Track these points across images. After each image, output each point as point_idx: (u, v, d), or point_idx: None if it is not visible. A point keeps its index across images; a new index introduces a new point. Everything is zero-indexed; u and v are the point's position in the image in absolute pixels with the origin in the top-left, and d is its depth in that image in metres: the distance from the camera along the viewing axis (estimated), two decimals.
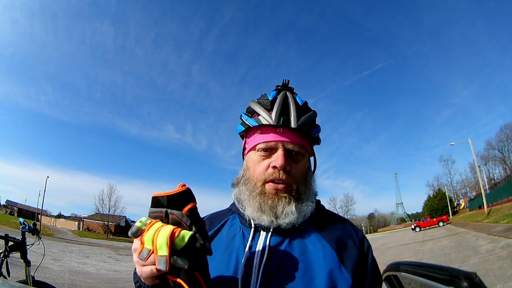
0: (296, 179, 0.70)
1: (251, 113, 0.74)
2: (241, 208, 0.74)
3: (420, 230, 31.88)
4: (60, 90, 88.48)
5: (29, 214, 43.86)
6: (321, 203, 0.81)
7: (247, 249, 0.68)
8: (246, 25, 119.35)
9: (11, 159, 77.20)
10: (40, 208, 38.33)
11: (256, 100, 0.76)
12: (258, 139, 0.72)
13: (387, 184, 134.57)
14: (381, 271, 0.91)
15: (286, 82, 0.78)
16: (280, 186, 0.68)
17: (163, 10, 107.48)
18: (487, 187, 38.49)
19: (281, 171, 0.68)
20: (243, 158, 0.79)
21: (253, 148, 0.74)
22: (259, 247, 0.68)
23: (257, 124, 0.71)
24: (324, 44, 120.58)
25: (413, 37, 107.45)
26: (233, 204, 0.80)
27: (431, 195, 60.57)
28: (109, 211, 47.14)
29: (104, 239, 38.01)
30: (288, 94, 0.74)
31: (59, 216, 57.99)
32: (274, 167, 0.68)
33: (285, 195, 0.69)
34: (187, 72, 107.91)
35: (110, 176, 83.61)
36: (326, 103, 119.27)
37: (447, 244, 13.16)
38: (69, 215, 63.21)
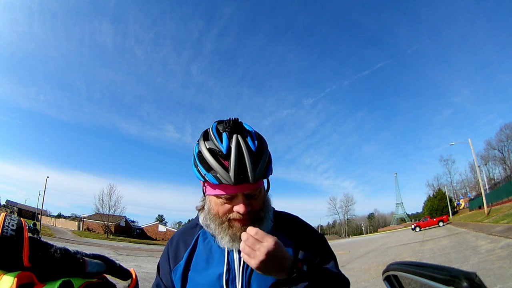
0: (257, 210, 0.80)
1: (207, 165, 0.75)
2: (212, 234, 0.84)
3: (420, 230, 31.90)
4: (59, 90, 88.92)
5: (29, 214, 43.90)
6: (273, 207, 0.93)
7: (225, 256, 0.81)
8: (245, 24, 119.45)
9: (11, 159, 77.38)
10: (40, 208, 38.35)
11: (207, 146, 0.76)
12: (218, 191, 0.77)
13: (387, 184, 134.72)
14: (381, 271, 0.91)
15: (235, 122, 0.77)
16: (244, 222, 0.79)
17: (162, 10, 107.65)
18: (487, 187, 38.47)
19: (244, 214, 0.77)
20: (204, 192, 0.85)
21: (215, 195, 0.80)
22: (235, 254, 0.81)
23: (217, 183, 0.74)
24: (324, 44, 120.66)
25: (413, 37, 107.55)
26: (200, 220, 0.89)
27: (431, 195, 60.62)
28: (109, 211, 47.17)
29: (104, 239, 38.01)
30: (241, 141, 0.74)
31: (59, 216, 58.02)
32: (238, 213, 0.77)
33: (249, 224, 0.78)
34: (187, 72, 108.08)
35: (110, 176, 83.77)
36: (326, 103, 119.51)
37: (447, 244, 13.16)
38: (69, 215, 63.36)
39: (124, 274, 0.69)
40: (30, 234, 0.53)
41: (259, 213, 0.81)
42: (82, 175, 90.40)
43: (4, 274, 0.48)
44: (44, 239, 0.69)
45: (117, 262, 0.69)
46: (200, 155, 0.77)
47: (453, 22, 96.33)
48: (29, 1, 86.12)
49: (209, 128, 0.81)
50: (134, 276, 0.70)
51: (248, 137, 0.77)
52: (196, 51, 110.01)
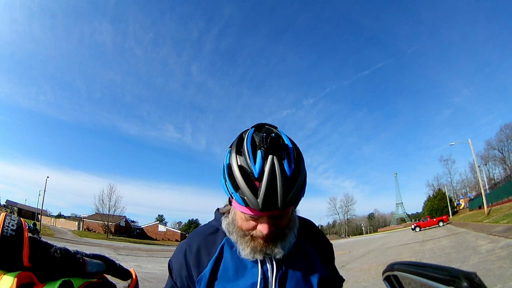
0: (281, 228, 0.77)
1: (235, 183, 0.69)
2: (232, 238, 0.82)
3: (420, 230, 31.90)
4: (59, 90, 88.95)
5: (29, 214, 43.90)
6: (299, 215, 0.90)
7: (259, 266, 0.79)
8: (245, 24, 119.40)
9: (11, 159, 77.42)
10: (40, 208, 38.35)
11: (238, 163, 0.69)
12: (244, 209, 0.71)
13: (387, 184, 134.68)
14: (381, 271, 0.91)
15: (273, 140, 0.67)
16: (267, 238, 0.76)
17: (161, 10, 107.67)
18: (487, 187, 38.47)
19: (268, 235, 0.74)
20: (230, 201, 0.80)
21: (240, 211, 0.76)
22: (268, 264, 0.80)
23: (244, 205, 0.69)
24: (324, 44, 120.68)
25: (413, 37, 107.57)
26: (220, 223, 0.86)
27: (431, 195, 60.63)
28: (109, 211, 47.19)
29: (104, 239, 38.02)
30: (276, 165, 0.66)
31: (59, 216, 58.02)
32: (261, 232, 0.74)
33: (272, 243, 0.77)
34: (186, 72, 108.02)
35: (110, 176, 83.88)
36: (326, 103, 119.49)
37: (447, 244, 13.16)
38: (69, 215, 63.37)
39: (124, 274, 0.69)
40: (30, 234, 0.53)
41: (283, 230, 0.78)
42: (82, 175, 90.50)
43: (4, 274, 0.48)
44: (44, 239, 0.69)
45: (117, 262, 0.69)
46: (229, 169, 0.70)
47: (453, 22, 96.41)
48: (29, 1, 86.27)
49: (245, 137, 0.72)
50: (134, 276, 0.70)
51: (285, 159, 0.68)
52: (196, 51, 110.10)
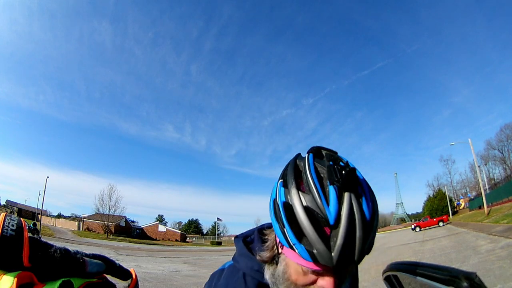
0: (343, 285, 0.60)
1: (298, 229, 0.51)
2: None
3: (420, 230, 31.87)
4: (59, 90, 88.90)
5: (29, 214, 43.90)
6: None
7: None
8: (244, 24, 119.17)
9: (11, 159, 77.39)
10: (40, 208, 38.38)
11: (303, 201, 0.51)
12: (309, 265, 0.54)
13: (387, 184, 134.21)
14: (381, 271, 0.91)
15: (350, 172, 0.51)
16: None
17: (161, 9, 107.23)
18: (487, 187, 38.49)
19: None
20: (277, 246, 0.63)
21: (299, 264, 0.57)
22: None
23: (311, 260, 0.51)
24: (323, 43, 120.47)
25: (413, 36, 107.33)
26: (262, 275, 0.66)
27: (431, 195, 60.60)
28: (109, 211, 47.15)
29: (104, 239, 38.00)
30: (355, 207, 0.50)
31: (59, 216, 57.98)
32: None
33: None
34: (186, 71, 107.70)
35: (110, 176, 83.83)
36: (326, 103, 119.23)
37: (447, 244, 13.16)
38: (69, 215, 63.26)
39: (124, 274, 0.69)
40: (30, 234, 0.53)
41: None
42: (82, 175, 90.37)
43: (4, 274, 0.48)
44: (44, 239, 0.69)
45: (117, 262, 0.69)
46: (290, 211, 0.52)
47: (453, 22, 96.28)
48: (28, 1, 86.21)
49: (305, 164, 0.55)
50: (134, 276, 0.70)
51: (363, 198, 0.52)
52: (196, 51, 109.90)
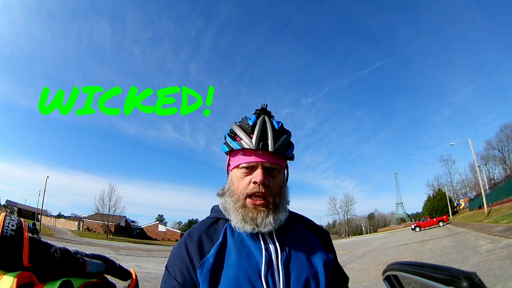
0: (273, 192, 0.83)
1: (234, 135, 0.85)
2: (227, 215, 0.86)
3: (420, 230, 31.89)
4: (58, 89, 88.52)
5: (29, 214, 43.91)
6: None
7: (263, 248, 0.80)
8: (242, 23, 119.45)
9: (11, 159, 77.41)
10: (40, 208, 38.35)
11: (238, 123, 0.87)
12: (240, 159, 0.84)
13: (387, 184, 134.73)
14: (381, 271, 0.91)
15: (264, 107, 0.89)
16: (258, 201, 0.81)
17: (159, 9, 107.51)
18: (487, 187, 38.49)
19: (260, 186, 0.80)
20: (228, 173, 0.90)
21: (237, 166, 0.85)
22: (271, 245, 0.82)
23: (240, 148, 0.83)
24: (322, 43, 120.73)
25: (412, 35, 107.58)
26: (219, 212, 0.90)
27: (431, 195, 60.58)
28: (109, 211, 47.18)
29: (104, 239, 38.00)
30: (266, 118, 0.85)
31: (59, 216, 58.01)
32: (255, 182, 0.80)
33: (263, 209, 0.81)
34: (184, 71, 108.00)
35: (110, 176, 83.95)
36: (325, 102, 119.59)
37: (447, 244, 13.17)
38: (69, 215, 63.35)
39: (124, 274, 0.69)
40: (30, 234, 0.53)
41: (274, 199, 0.82)
42: (82, 175, 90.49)
43: (4, 274, 0.48)
44: (44, 239, 0.69)
45: (117, 262, 0.69)
46: (230, 131, 0.87)
47: (453, 21, 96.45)
48: (27, 0, 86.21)
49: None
50: (134, 276, 0.70)
51: (274, 119, 0.87)
52: (194, 50, 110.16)
